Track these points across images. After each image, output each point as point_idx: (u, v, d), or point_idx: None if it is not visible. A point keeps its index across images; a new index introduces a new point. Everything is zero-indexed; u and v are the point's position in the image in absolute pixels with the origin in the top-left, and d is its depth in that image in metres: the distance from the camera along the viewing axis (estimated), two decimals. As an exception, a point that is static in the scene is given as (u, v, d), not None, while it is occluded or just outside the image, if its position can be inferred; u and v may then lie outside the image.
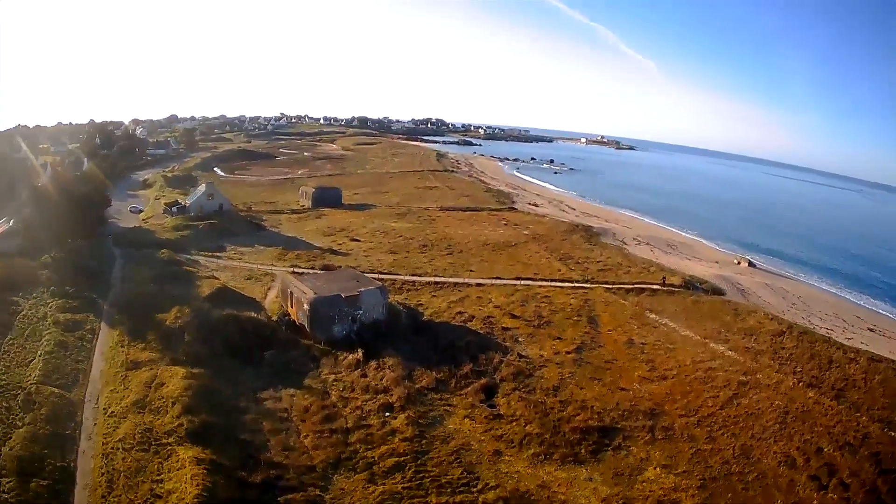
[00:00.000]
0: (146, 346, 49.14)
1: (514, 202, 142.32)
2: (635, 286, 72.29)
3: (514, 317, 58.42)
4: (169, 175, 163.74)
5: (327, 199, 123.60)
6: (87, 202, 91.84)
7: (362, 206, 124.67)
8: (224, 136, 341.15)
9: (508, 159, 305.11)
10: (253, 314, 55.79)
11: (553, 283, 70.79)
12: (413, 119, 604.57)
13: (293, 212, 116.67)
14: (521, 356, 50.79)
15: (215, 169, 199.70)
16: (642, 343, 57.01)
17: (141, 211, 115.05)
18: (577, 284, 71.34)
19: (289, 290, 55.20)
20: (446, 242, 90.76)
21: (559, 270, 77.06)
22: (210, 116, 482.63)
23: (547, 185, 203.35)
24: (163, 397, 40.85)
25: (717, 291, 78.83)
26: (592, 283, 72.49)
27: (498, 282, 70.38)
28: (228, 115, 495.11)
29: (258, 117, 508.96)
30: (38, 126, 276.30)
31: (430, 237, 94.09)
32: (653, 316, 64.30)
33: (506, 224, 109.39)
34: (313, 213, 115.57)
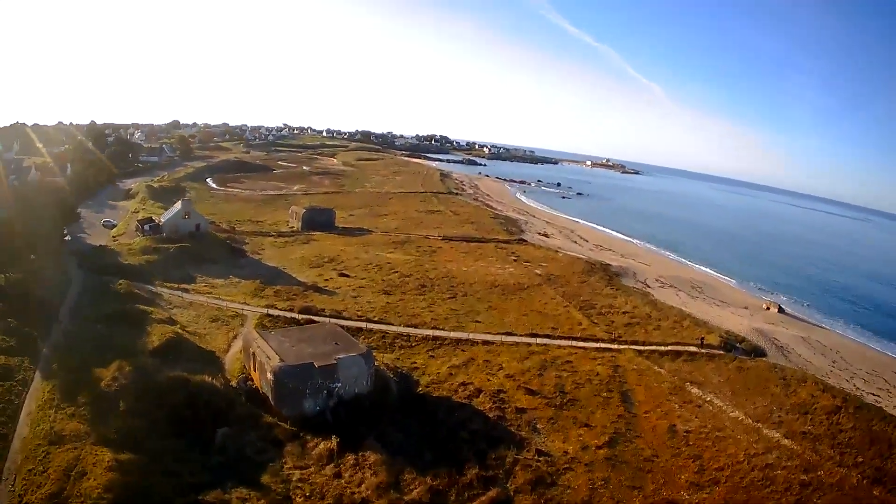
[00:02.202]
0: (75, 412, 39.18)
1: (523, 231, 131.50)
2: (670, 348, 61.29)
3: (530, 392, 47.23)
4: (155, 185, 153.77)
5: (319, 221, 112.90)
6: (49, 216, 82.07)
7: (357, 231, 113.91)
8: (223, 144, 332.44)
9: (515, 181, 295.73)
10: (207, 378, 44.79)
11: (575, 343, 59.80)
12: (417, 135, 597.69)
13: (280, 234, 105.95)
14: (540, 453, 39.61)
15: (207, 180, 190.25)
16: (686, 431, 46.25)
17: (114, 226, 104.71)
18: (602, 344, 60.32)
19: (251, 350, 44.35)
20: (448, 282, 79.77)
21: (580, 325, 66.01)
22: (212, 123, 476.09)
23: (556, 212, 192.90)
24: (81, 494, 31.37)
25: (759, 352, 68.50)
26: (620, 342, 61.46)
27: (509, 339, 59.32)
28: (231, 123, 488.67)
29: (260, 127, 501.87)
30: (36, 125, 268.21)
31: (429, 274, 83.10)
32: (695, 390, 53.39)
33: (516, 260, 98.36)
34: (302, 237, 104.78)
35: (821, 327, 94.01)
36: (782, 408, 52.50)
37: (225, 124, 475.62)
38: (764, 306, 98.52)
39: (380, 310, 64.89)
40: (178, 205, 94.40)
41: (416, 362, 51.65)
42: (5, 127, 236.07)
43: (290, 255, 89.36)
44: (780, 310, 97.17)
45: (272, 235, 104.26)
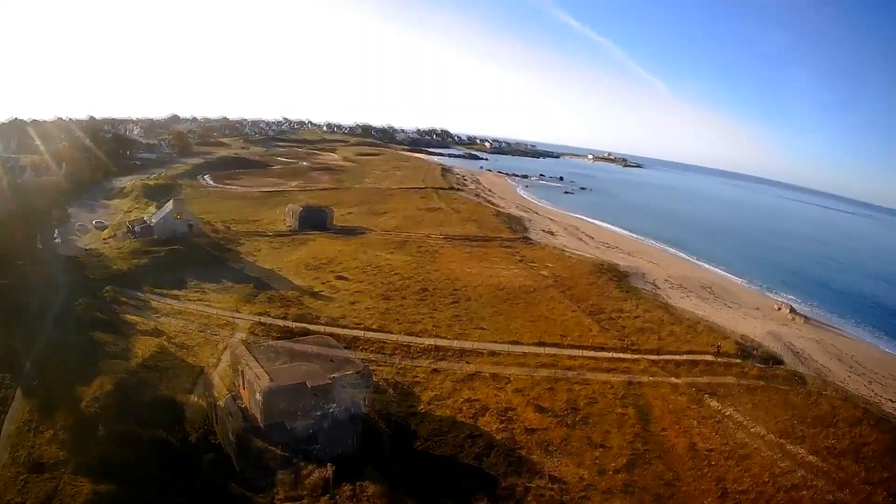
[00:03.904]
0: (54, 436, 36.85)
1: (527, 230, 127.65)
2: (686, 357, 58.00)
3: (540, 409, 43.98)
4: (150, 183, 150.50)
5: (315, 220, 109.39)
6: (39, 218, 79.19)
7: (355, 231, 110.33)
8: (221, 140, 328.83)
9: (517, 175, 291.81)
10: (193, 397, 41.84)
11: (586, 353, 56.42)
12: (418, 129, 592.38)
13: (276, 234, 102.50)
14: (553, 479, 36.45)
15: (204, 177, 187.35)
16: (708, 450, 43.34)
17: (105, 227, 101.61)
18: (615, 354, 56.97)
19: (240, 368, 41.11)
20: (451, 286, 76.22)
21: (591, 332, 62.59)
22: (211, 117, 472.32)
23: (560, 208, 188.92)
24: (59, 530, 28.06)
25: (776, 359, 65.36)
26: (634, 352, 58.13)
27: (516, 348, 55.95)
28: (230, 117, 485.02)
29: (259, 120, 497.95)
30: (34, 121, 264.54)
31: (431, 277, 79.63)
32: (714, 404, 50.27)
33: (521, 260, 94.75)
34: (298, 237, 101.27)
35: (833, 329, 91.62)
36: (804, 421, 49.90)
37: (224, 118, 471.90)
38: (776, 307, 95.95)
39: (378, 317, 61.60)
40: (170, 204, 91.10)
41: (417, 377, 48.35)
42: (3, 124, 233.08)
43: (286, 258, 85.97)
44: (792, 310, 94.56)
45: (268, 235, 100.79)
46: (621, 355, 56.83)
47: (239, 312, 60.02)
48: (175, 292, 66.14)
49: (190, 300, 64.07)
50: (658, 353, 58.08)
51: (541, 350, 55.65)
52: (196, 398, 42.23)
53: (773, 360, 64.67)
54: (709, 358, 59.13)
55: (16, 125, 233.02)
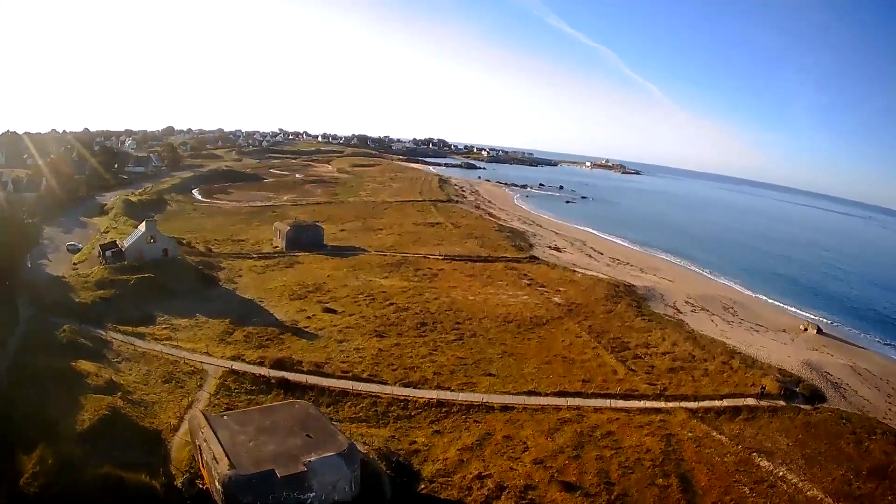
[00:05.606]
0: None
1: (532, 246, 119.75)
2: (726, 403, 50.30)
3: (567, 487, 35.97)
4: (133, 199, 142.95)
5: (305, 239, 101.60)
6: (9, 242, 71.67)
7: (348, 251, 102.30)
8: (215, 152, 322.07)
9: (516, 185, 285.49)
10: (144, 477, 33.90)
11: (615, 402, 48.52)
12: (414, 138, 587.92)
13: (261, 256, 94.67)
14: (591, 593, 28.71)
15: (193, 192, 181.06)
16: (766, 528, 35.67)
17: (79, 250, 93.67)
18: (647, 403, 49.05)
19: (198, 443, 33.38)
20: (453, 317, 68.23)
21: (616, 375, 54.52)
22: (207, 129, 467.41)
23: (563, 220, 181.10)
24: None
25: (819, 396, 58.58)
26: (668, 398, 50.25)
27: (533, 401, 47.95)
28: (226, 129, 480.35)
29: (255, 132, 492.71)
30: (27, 133, 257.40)
31: (430, 307, 71.63)
32: (764, 463, 42.78)
33: (529, 283, 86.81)
34: (285, 258, 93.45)
35: (862, 348, 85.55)
36: (859, 475, 43.74)
37: (220, 130, 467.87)
38: (802, 327, 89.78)
39: (370, 360, 53.52)
40: (142, 227, 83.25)
41: (416, 441, 40.41)
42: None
43: (270, 284, 78.10)
44: (819, 330, 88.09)
45: (252, 257, 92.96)
46: (654, 404, 48.91)
47: (210, 356, 52.20)
48: (141, 329, 58.35)
49: (157, 339, 56.28)
50: (695, 400, 50.29)
51: (562, 402, 47.57)
52: (146, 477, 34.35)
53: (816, 397, 57.83)
54: (751, 402, 51.58)
55: (7, 137, 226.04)
